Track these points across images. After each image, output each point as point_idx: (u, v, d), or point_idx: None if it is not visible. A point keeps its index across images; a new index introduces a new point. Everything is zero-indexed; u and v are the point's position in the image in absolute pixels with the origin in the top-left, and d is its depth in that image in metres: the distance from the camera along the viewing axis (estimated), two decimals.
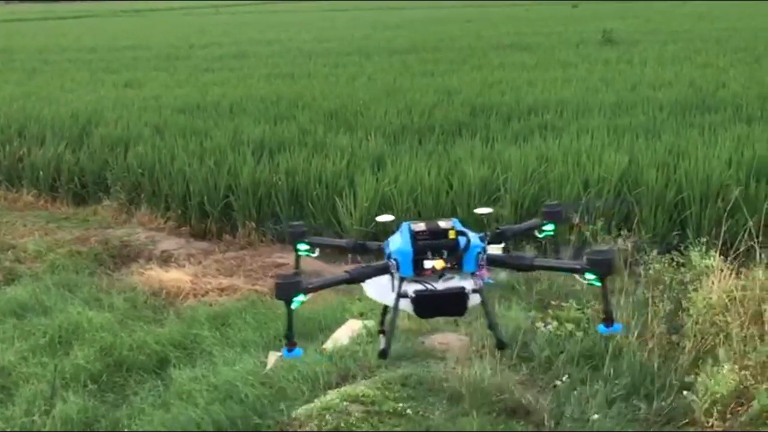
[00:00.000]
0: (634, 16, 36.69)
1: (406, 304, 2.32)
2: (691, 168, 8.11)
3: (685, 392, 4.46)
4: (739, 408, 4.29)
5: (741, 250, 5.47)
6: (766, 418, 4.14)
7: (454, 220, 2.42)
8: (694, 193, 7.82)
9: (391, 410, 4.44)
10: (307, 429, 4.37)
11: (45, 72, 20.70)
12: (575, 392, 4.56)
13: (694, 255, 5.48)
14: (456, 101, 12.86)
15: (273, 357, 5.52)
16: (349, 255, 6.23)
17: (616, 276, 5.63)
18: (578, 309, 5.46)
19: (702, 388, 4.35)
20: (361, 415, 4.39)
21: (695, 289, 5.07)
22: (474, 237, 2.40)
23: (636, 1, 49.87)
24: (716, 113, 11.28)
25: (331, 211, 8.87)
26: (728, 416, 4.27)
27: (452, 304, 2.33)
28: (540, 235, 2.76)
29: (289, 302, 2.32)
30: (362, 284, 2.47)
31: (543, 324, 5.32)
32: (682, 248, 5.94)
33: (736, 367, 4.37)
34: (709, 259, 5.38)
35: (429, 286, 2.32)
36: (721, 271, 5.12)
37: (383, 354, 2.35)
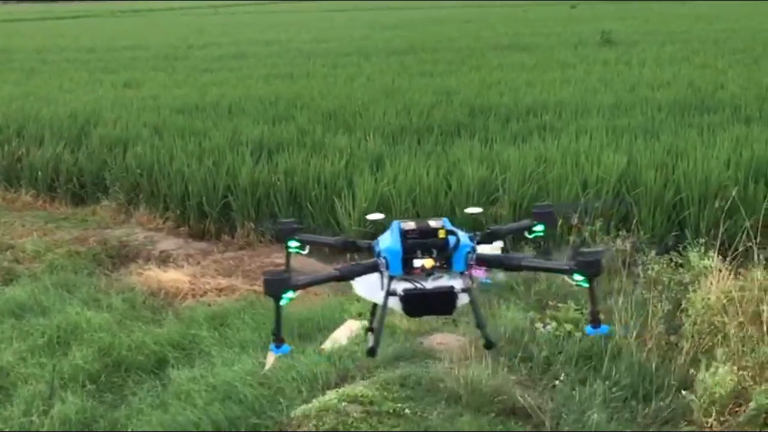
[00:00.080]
0: (632, 17, 36.71)
1: (395, 303, 2.32)
2: (690, 169, 8.11)
3: (683, 392, 4.46)
4: (738, 409, 4.29)
5: (739, 250, 5.47)
6: (766, 418, 4.14)
7: (444, 219, 2.43)
8: (692, 193, 7.82)
9: (389, 410, 4.44)
10: (306, 429, 4.36)
11: (43, 72, 20.68)
12: (574, 393, 4.56)
13: (693, 255, 5.49)
14: (455, 102, 12.86)
15: (271, 357, 5.52)
16: (348, 255, 6.23)
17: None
18: (577, 309, 5.46)
19: (701, 389, 4.35)
20: (359, 416, 4.39)
21: (694, 290, 5.08)
22: (464, 236, 2.41)
23: (635, 2, 49.92)
24: (715, 114, 11.29)
25: (330, 211, 8.87)
26: (727, 416, 4.27)
27: (441, 303, 2.34)
28: (530, 236, 2.77)
29: (277, 299, 2.32)
30: (352, 282, 2.48)
31: (542, 324, 5.32)
32: (680, 249, 5.96)
33: (735, 367, 4.38)
34: (708, 259, 5.39)
35: (418, 285, 2.32)
36: (720, 271, 5.13)
37: (371, 352, 2.36)
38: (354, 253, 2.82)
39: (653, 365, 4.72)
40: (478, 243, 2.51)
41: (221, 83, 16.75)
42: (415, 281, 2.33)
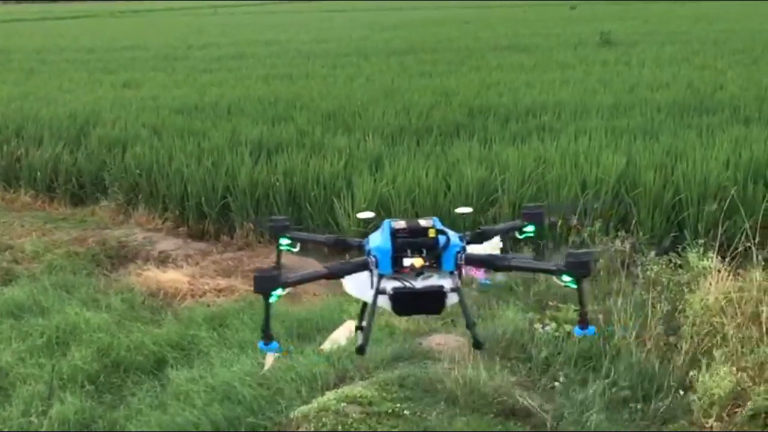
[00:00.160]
0: (632, 17, 36.72)
1: (384, 301, 2.33)
2: (689, 169, 8.12)
3: (682, 393, 4.47)
4: (737, 409, 4.29)
5: (738, 251, 5.47)
6: (766, 418, 4.15)
7: (434, 219, 2.44)
8: (691, 194, 7.82)
9: (388, 411, 4.44)
10: (305, 430, 4.36)
11: (43, 72, 20.67)
12: (573, 393, 4.57)
13: (692, 256, 5.49)
14: (454, 102, 12.86)
15: (270, 358, 5.52)
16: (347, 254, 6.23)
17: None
18: (576, 310, 5.46)
19: (700, 389, 4.36)
20: (358, 416, 4.39)
21: (692, 291, 5.08)
22: (453, 236, 2.42)
23: (634, 3, 49.93)
24: (714, 115, 11.29)
25: (329, 212, 8.87)
26: (725, 417, 4.28)
27: (430, 303, 2.35)
28: (520, 236, 2.78)
29: (267, 296, 2.33)
30: (342, 280, 2.48)
31: (541, 325, 5.32)
32: (679, 249, 5.96)
33: (734, 368, 4.38)
34: (707, 260, 5.39)
35: (407, 284, 2.33)
36: (719, 272, 5.13)
37: (361, 350, 2.37)
38: (345, 252, 2.82)
39: (653, 366, 4.72)
40: (468, 243, 2.52)
41: (220, 84, 16.75)
42: (405, 280, 2.34)
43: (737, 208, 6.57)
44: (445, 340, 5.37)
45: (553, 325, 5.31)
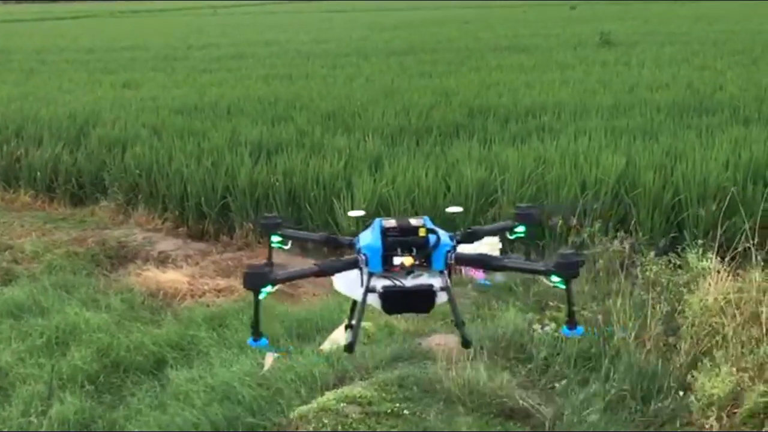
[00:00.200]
0: (632, 17, 36.73)
1: (373, 299, 2.34)
2: (689, 170, 8.12)
3: (682, 393, 4.47)
4: (736, 410, 4.30)
5: (738, 251, 5.47)
6: (765, 417, 4.15)
7: (425, 218, 2.45)
8: (691, 195, 7.83)
9: (388, 411, 4.45)
10: (304, 430, 4.37)
11: (42, 72, 20.67)
12: (573, 394, 4.57)
13: (691, 257, 5.49)
14: (454, 103, 12.87)
15: (270, 358, 5.52)
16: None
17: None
18: (576, 310, 5.45)
19: (700, 390, 4.36)
20: (358, 416, 4.39)
21: (692, 291, 5.08)
22: (444, 235, 2.43)
23: (634, 3, 49.94)
24: (713, 115, 11.29)
25: (329, 212, 8.87)
26: (725, 417, 4.28)
27: (420, 301, 2.36)
28: (511, 237, 2.78)
29: (257, 293, 2.34)
30: (332, 278, 2.49)
31: (540, 325, 5.32)
32: (679, 250, 5.95)
33: (734, 369, 4.38)
34: (706, 260, 5.39)
35: (397, 283, 2.34)
36: (718, 272, 5.13)
37: (349, 348, 2.38)
38: (336, 249, 2.84)
39: (652, 367, 4.72)
40: (459, 242, 2.53)
41: (220, 84, 16.75)
42: (395, 279, 2.35)
43: (737, 209, 6.57)
44: (445, 340, 5.37)
45: (553, 325, 5.31)
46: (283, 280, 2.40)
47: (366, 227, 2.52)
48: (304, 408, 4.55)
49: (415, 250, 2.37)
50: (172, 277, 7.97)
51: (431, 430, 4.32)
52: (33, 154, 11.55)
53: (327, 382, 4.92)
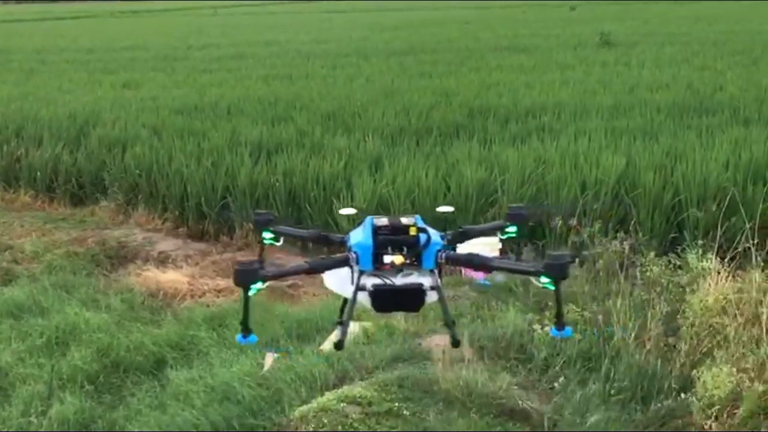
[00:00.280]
0: (632, 18, 36.74)
1: (364, 298, 2.34)
2: (689, 170, 8.12)
3: (682, 394, 4.47)
4: (736, 410, 4.30)
5: (738, 252, 5.47)
6: (765, 417, 4.15)
7: (417, 216, 2.45)
8: (691, 195, 7.82)
9: (387, 411, 4.45)
10: (304, 430, 4.37)
11: (42, 72, 20.67)
12: (573, 394, 4.57)
13: (691, 257, 5.49)
14: (454, 103, 12.87)
15: (270, 358, 5.52)
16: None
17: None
18: (576, 311, 5.46)
19: (700, 390, 4.36)
20: (358, 416, 4.39)
21: (692, 292, 5.08)
22: (435, 235, 2.43)
23: (634, 3, 49.94)
24: (713, 116, 11.29)
25: (329, 212, 8.86)
26: (725, 418, 4.28)
27: (410, 300, 2.37)
28: (503, 237, 2.78)
29: (246, 289, 2.34)
30: (322, 275, 2.50)
31: (540, 326, 5.32)
32: (679, 250, 5.95)
33: (734, 369, 4.38)
34: (706, 261, 5.39)
35: (387, 281, 2.34)
36: (718, 273, 5.13)
37: (339, 345, 2.39)
38: (327, 247, 2.84)
39: (652, 367, 4.73)
40: (449, 242, 2.54)
41: (220, 84, 16.75)
42: (385, 277, 2.36)
43: (737, 209, 6.57)
44: (445, 340, 5.36)
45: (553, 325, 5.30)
46: (272, 277, 2.40)
47: (358, 225, 2.53)
48: (304, 408, 4.55)
49: (405, 248, 2.38)
50: (172, 278, 7.97)
51: (431, 431, 4.33)
52: (33, 154, 11.54)
53: (327, 382, 4.92)
